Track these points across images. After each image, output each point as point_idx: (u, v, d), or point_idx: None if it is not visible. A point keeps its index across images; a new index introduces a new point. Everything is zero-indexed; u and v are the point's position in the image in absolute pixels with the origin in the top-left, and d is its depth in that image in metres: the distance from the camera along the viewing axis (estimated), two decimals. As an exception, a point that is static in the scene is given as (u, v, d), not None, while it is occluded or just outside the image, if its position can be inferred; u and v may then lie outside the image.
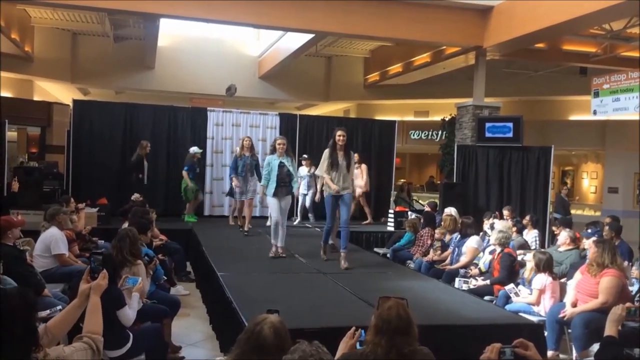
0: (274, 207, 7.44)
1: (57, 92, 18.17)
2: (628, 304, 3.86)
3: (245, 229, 9.36)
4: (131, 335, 4.26)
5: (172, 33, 16.53)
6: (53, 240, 6.21)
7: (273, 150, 7.63)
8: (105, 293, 2.94)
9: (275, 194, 7.39)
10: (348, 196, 7.16)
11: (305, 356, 2.09)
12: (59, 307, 4.55)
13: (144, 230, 6.00)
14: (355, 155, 9.10)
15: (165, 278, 6.45)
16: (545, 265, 5.93)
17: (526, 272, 6.48)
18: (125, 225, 6.42)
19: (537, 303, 5.82)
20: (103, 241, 7.90)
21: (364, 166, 10.73)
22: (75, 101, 11.89)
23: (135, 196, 9.51)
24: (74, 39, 16.33)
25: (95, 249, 7.31)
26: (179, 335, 5.71)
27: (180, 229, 9.77)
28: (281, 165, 7.44)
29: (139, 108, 12.12)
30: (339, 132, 7.03)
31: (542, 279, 5.86)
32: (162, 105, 12.83)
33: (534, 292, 5.88)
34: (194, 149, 10.90)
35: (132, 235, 5.01)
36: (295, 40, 13.65)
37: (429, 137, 19.49)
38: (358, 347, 2.92)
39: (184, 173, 10.66)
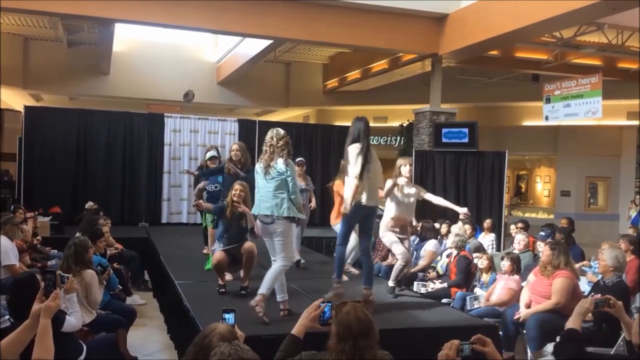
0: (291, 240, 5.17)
1: (8, 99, 17.59)
2: (596, 295, 3.93)
3: (245, 284, 5.77)
4: (84, 346, 4.15)
5: (127, 38, 16.23)
6: (3, 250, 6.01)
7: (281, 152, 4.88)
8: None
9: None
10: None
11: (224, 357, 2.07)
12: (8, 317, 4.40)
13: (94, 238, 5.85)
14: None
15: (121, 287, 6.33)
16: (518, 265, 6.07)
17: (483, 276, 6.59)
18: (78, 234, 6.27)
19: (510, 303, 5.84)
20: (56, 251, 7.70)
21: None
22: (27, 107, 11.58)
23: (89, 204, 9.32)
24: (25, 44, 15.86)
25: (44, 260, 7.12)
26: (135, 345, 5.60)
27: (137, 237, 9.61)
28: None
29: (94, 114, 11.88)
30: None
31: (517, 280, 5.96)
32: (117, 111, 12.59)
33: (509, 291, 5.91)
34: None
35: (79, 243, 4.87)
36: (254, 46, 13.60)
37: (388, 142, 19.67)
38: (320, 320, 2.97)
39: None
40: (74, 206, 10.76)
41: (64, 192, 11.06)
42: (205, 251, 7.74)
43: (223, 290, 5.78)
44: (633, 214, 12.03)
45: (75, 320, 4.10)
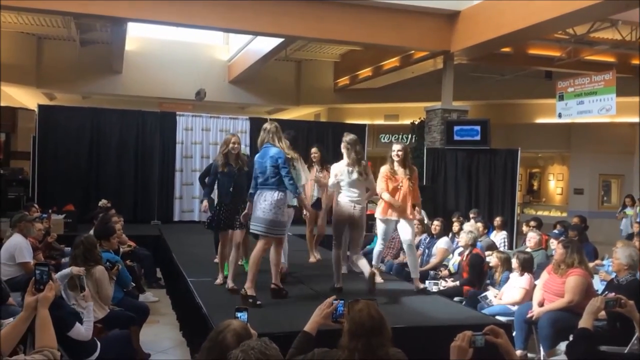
0: None
1: (22, 98, 17.79)
2: (609, 294, 3.90)
3: (277, 282, 5.46)
4: (98, 343, 4.18)
5: (140, 37, 16.34)
6: (18, 248, 6.09)
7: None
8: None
9: None
10: None
11: (248, 349, 2.08)
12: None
13: (107, 235, 5.89)
14: None
15: (134, 284, 6.37)
16: (529, 265, 6.03)
17: (496, 274, 6.55)
18: (91, 231, 6.33)
19: (522, 301, 5.78)
20: (69, 248, 7.75)
21: None
22: (40, 106, 11.68)
23: (103, 202, 9.39)
24: (39, 43, 16.03)
25: (59, 256, 7.19)
26: (148, 342, 5.63)
27: (149, 235, 9.67)
28: None
29: (106, 113, 11.95)
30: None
31: (529, 279, 5.92)
32: (130, 109, 12.67)
33: (520, 290, 5.86)
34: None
35: (86, 241, 4.91)
36: (265, 45, 13.64)
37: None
38: (332, 317, 2.99)
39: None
40: (87, 204, 10.81)
41: (78, 190, 11.13)
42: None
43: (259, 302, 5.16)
44: None
45: (84, 330, 4.07)
